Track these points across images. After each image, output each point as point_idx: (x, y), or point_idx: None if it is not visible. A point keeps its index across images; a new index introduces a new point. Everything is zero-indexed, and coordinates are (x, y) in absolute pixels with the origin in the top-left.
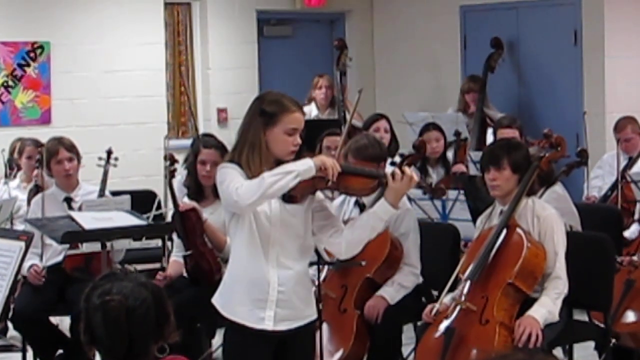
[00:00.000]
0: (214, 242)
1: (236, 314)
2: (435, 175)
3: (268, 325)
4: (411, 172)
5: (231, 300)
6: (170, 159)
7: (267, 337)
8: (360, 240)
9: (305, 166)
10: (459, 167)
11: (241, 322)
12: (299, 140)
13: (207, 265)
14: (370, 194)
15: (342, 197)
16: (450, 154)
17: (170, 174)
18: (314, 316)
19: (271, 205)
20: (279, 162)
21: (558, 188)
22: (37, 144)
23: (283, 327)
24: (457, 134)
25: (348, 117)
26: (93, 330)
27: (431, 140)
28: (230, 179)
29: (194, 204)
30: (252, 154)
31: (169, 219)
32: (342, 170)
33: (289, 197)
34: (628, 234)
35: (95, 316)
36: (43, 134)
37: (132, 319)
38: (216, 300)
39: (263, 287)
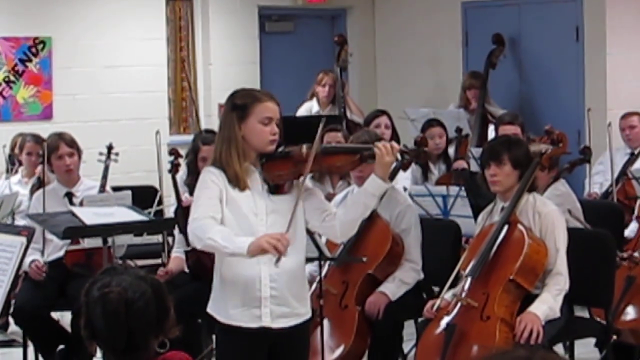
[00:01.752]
0: None
1: (231, 316)
2: (436, 172)
3: (266, 322)
4: (392, 143)
5: (224, 304)
6: (174, 154)
7: (263, 337)
8: (354, 220)
9: (240, 250)
10: (460, 163)
11: (238, 325)
12: (276, 129)
13: (209, 261)
14: (353, 168)
15: (344, 192)
16: (451, 150)
17: (175, 169)
18: (308, 315)
19: (256, 199)
20: (262, 155)
21: (560, 185)
22: (37, 139)
23: (280, 324)
24: (459, 130)
25: (349, 114)
26: (93, 324)
27: (434, 136)
28: (197, 199)
29: None
30: (229, 149)
31: (168, 214)
32: (322, 151)
33: (274, 188)
34: (627, 232)
35: (95, 309)
36: (44, 130)
37: (132, 312)
38: (211, 308)
39: (255, 286)
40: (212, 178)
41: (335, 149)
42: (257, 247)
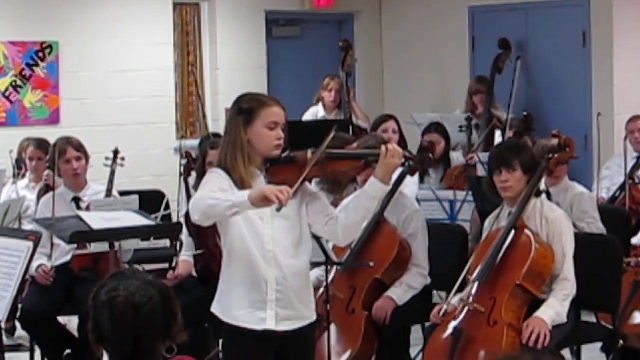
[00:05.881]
0: None
1: (236, 317)
2: (434, 176)
3: (270, 325)
4: (395, 146)
5: (230, 304)
6: (187, 157)
7: (268, 339)
8: (356, 223)
9: (241, 199)
10: (473, 158)
11: (243, 326)
12: (281, 134)
13: (218, 266)
14: (359, 174)
15: (352, 197)
16: (456, 154)
17: (187, 172)
18: (314, 318)
19: None
20: (267, 160)
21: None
22: (39, 144)
23: (285, 327)
24: (469, 119)
25: (354, 119)
26: (100, 328)
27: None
28: (202, 187)
29: None
30: (235, 153)
31: (175, 219)
32: (326, 157)
33: None
34: (635, 240)
35: (102, 313)
36: (52, 134)
37: (139, 316)
38: (215, 308)
39: (261, 288)
40: (219, 176)
41: (340, 154)
42: (259, 194)
